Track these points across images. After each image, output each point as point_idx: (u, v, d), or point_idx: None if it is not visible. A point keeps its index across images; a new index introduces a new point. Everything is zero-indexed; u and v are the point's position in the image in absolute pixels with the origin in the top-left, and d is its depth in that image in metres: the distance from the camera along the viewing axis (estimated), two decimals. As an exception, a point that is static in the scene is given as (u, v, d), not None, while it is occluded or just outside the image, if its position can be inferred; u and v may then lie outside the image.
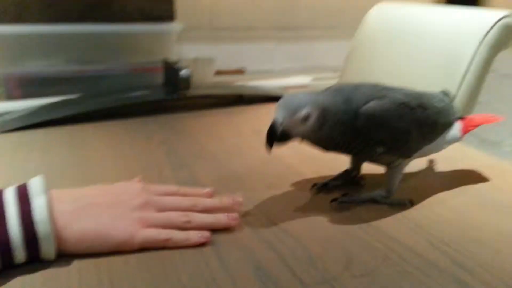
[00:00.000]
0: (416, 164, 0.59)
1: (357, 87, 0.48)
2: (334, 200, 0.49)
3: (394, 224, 0.46)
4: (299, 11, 1.49)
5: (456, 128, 0.54)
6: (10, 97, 0.91)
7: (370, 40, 1.11)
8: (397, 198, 0.49)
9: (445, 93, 0.56)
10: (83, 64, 0.94)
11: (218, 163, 0.61)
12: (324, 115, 0.43)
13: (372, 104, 0.45)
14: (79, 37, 0.92)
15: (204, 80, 1.02)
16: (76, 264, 0.38)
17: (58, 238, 0.37)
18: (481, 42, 0.80)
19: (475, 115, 0.58)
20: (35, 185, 0.39)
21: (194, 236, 0.41)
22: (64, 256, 0.39)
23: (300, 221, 0.46)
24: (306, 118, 0.42)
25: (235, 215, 0.44)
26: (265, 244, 0.42)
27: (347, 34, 1.57)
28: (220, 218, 0.44)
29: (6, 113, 0.79)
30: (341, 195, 0.49)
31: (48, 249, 0.37)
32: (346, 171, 0.54)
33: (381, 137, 0.46)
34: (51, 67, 0.92)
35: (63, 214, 0.38)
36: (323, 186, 0.53)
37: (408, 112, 0.46)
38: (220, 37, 1.39)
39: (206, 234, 0.42)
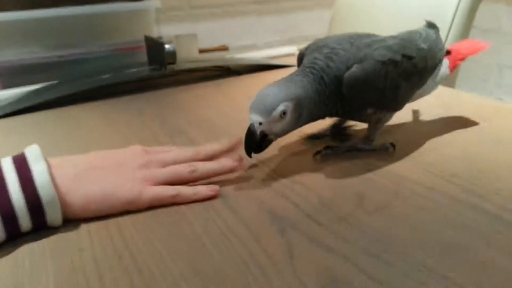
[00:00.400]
0: (415, 112, 0.59)
1: (333, 51, 0.44)
2: (317, 152, 0.47)
3: (402, 165, 0.46)
4: (277, -17, 1.47)
5: (444, 65, 0.52)
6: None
7: (350, 4, 1.10)
8: (380, 143, 0.48)
9: (430, 25, 0.53)
10: (63, 49, 0.91)
11: (215, 128, 0.60)
12: (300, 104, 0.41)
13: (354, 69, 0.42)
14: (57, 21, 0.89)
15: (189, 56, 1.00)
16: (85, 227, 0.37)
17: (63, 203, 0.36)
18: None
19: (460, 45, 0.56)
20: (32, 153, 0.38)
21: (203, 189, 0.40)
22: (71, 221, 0.37)
23: (306, 170, 0.46)
24: (282, 115, 0.40)
25: (238, 157, 0.43)
26: (275, 193, 0.41)
27: (328, 3, 1.56)
28: (225, 163, 0.43)
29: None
30: (323, 148, 0.48)
31: (54, 214, 0.36)
32: (334, 125, 0.55)
33: (369, 100, 0.44)
34: (31, 54, 0.89)
35: (65, 179, 0.37)
36: (316, 137, 0.53)
37: (393, 67, 0.43)
38: (199, 16, 1.36)
39: (215, 187, 0.41)
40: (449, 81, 0.87)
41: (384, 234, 0.34)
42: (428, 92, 0.52)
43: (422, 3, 0.90)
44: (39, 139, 0.59)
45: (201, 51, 1.25)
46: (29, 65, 0.88)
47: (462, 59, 0.54)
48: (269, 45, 1.48)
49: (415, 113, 0.61)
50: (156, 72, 0.82)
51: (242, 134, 0.42)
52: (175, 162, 0.42)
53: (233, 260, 0.32)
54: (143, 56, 0.90)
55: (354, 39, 0.45)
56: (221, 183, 0.43)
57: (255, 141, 0.41)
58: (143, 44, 0.89)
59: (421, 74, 0.47)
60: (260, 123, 0.40)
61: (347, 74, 0.42)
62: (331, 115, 0.47)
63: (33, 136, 0.61)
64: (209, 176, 0.43)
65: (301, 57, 0.48)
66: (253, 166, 0.47)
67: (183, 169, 0.42)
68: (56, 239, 0.36)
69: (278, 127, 0.41)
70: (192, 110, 0.68)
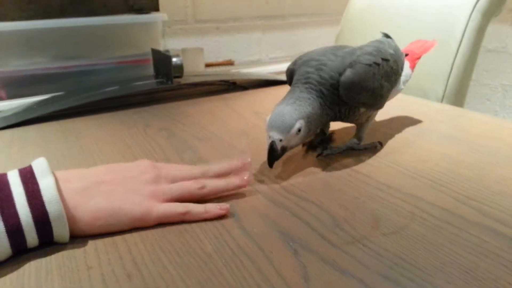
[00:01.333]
0: (426, 132, 0.58)
1: (321, 62, 0.49)
2: (319, 155, 0.53)
3: (417, 186, 0.45)
4: (283, -1, 1.48)
5: (406, 66, 0.58)
6: (-5, 98, 0.87)
7: (358, 20, 1.10)
8: (369, 143, 0.55)
9: (386, 35, 0.60)
10: (69, 60, 0.91)
11: (222, 142, 0.59)
12: (310, 120, 0.46)
13: (348, 74, 0.47)
14: (63, 32, 0.89)
15: (195, 70, 1.00)
16: (92, 244, 0.36)
17: (70, 218, 0.35)
18: (473, 9, 0.80)
19: (412, 46, 0.62)
20: (40, 166, 0.37)
21: (213, 208, 0.39)
22: (78, 237, 0.36)
23: (317, 188, 0.45)
24: (298, 132, 0.45)
25: (247, 175, 0.43)
26: (286, 212, 0.40)
27: (332, 20, 1.57)
28: (233, 180, 0.43)
29: (-6, 112, 0.76)
30: (321, 150, 0.53)
31: (61, 230, 0.35)
32: (321, 131, 0.59)
33: (362, 100, 0.49)
34: (36, 65, 0.88)
35: (72, 193, 0.36)
36: (310, 144, 0.57)
37: (377, 69, 0.49)
38: (205, 30, 1.37)
39: (225, 205, 0.40)
40: (458, 101, 0.86)
41: (401, 257, 0.33)
42: (397, 92, 0.58)
43: (430, 22, 0.90)
44: (43, 151, 0.58)
45: (207, 65, 1.26)
46: (34, 75, 0.88)
47: (418, 58, 0.60)
48: (274, 61, 1.48)
49: (426, 133, 0.60)
50: (163, 85, 0.81)
51: (249, 148, 0.42)
52: (183, 180, 0.42)
53: (246, 281, 0.31)
54: (149, 69, 0.90)
55: (335, 50, 0.51)
56: (232, 202, 0.42)
57: (277, 156, 0.46)
58: (150, 57, 0.89)
59: (396, 74, 0.54)
60: (281, 140, 0.45)
61: (343, 78, 0.47)
62: (330, 120, 0.52)
63: (37, 147, 0.60)
64: (217, 193, 0.42)
65: (290, 73, 0.53)
66: (264, 184, 0.46)
67: (192, 185, 0.41)
68: (63, 256, 0.34)
69: (294, 141, 0.46)
70: (198, 124, 0.67)
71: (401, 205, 0.41)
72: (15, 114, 0.72)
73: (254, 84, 0.92)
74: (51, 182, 0.35)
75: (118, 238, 0.36)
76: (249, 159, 0.45)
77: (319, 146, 0.56)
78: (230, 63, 1.35)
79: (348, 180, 0.47)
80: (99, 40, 0.92)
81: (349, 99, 0.48)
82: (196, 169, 0.43)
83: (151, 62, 0.89)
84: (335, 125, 0.59)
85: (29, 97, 0.80)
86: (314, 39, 1.57)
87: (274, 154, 0.45)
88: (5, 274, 0.33)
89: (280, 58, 1.51)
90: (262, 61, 1.48)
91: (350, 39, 1.13)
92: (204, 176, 0.43)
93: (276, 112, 0.45)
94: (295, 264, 0.33)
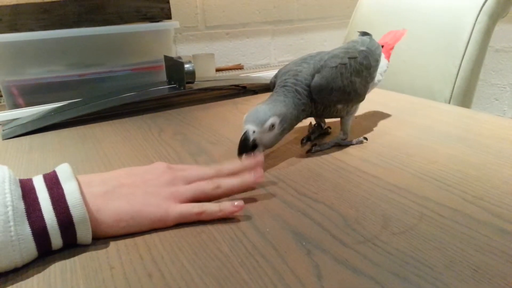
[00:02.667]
0: (434, 133, 0.59)
1: (297, 70, 0.54)
2: (309, 151, 0.57)
3: (425, 186, 0.46)
4: (292, 4, 1.50)
5: (383, 59, 0.62)
6: (14, 105, 0.90)
7: (365, 23, 1.11)
8: (355, 139, 0.59)
9: (363, 33, 0.64)
10: (85, 68, 0.93)
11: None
12: (285, 119, 0.50)
13: (316, 78, 0.52)
14: (79, 41, 0.92)
15: (207, 75, 1.02)
16: (113, 245, 0.37)
17: (93, 220, 0.37)
18: (480, 11, 0.80)
19: (386, 38, 0.66)
20: (63, 172, 0.38)
21: (228, 205, 0.41)
22: (100, 239, 0.38)
23: (326, 188, 0.46)
24: (271, 127, 0.49)
25: (260, 172, 0.44)
26: (298, 213, 0.42)
27: (339, 23, 1.59)
28: (246, 178, 0.44)
29: (13, 120, 0.79)
30: (311, 146, 0.57)
31: (84, 233, 0.36)
32: (317, 125, 0.64)
33: (336, 98, 0.54)
34: (53, 73, 0.91)
35: (94, 197, 0.38)
36: (308, 139, 0.61)
37: (344, 69, 0.54)
38: (215, 36, 1.39)
39: (240, 202, 0.41)
40: (466, 102, 0.87)
41: (411, 256, 0.34)
42: (376, 83, 0.62)
43: (438, 25, 0.90)
44: (63, 156, 0.60)
45: (217, 69, 1.28)
46: (51, 83, 0.91)
47: (391, 48, 0.65)
48: (283, 64, 1.49)
49: (434, 134, 0.61)
50: (176, 90, 0.83)
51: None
52: (198, 179, 0.43)
53: (262, 279, 0.32)
54: (162, 75, 0.92)
55: (309, 59, 0.55)
56: (246, 204, 0.43)
57: (248, 146, 0.48)
58: (162, 63, 0.91)
59: (368, 69, 0.58)
60: (254, 131, 0.48)
61: (312, 83, 0.52)
62: (309, 116, 0.56)
63: (57, 153, 0.62)
64: (232, 192, 0.43)
65: (273, 84, 0.58)
66: (277, 186, 0.48)
67: (207, 186, 0.43)
68: (86, 257, 0.36)
69: (267, 137, 0.50)
70: (211, 128, 0.69)
71: (410, 205, 0.42)
72: (34, 121, 0.74)
73: (263, 88, 0.94)
74: (75, 186, 0.37)
75: (138, 239, 0.38)
76: (261, 158, 0.47)
77: (307, 142, 0.60)
78: (239, 67, 1.36)
79: (357, 182, 0.48)
80: (114, 48, 0.95)
81: (322, 100, 0.53)
82: (210, 169, 0.45)
83: (163, 69, 0.91)
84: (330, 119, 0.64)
85: (46, 105, 0.83)
86: (322, 43, 1.58)
87: (246, 142, 0.48)
88: (32, 275, 0.34)
89: (289, 61, 1.53)
90: (271, 65, 1.49)
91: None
92: (218, 175, 0.44)
93: (252, 109, 0.50)
94: (308, 263, 0.34)
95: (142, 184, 0.41)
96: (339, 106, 0.56)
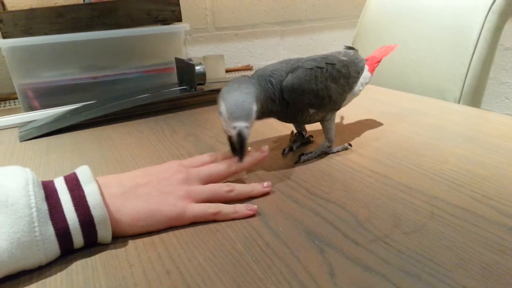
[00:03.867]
0: (444, 133, 0.60)
1: (273, 71, 0.52)
2: (297, 162, 0.56)
3: (436, 186, 0.47)
4: (300, 4, 1.50)
5: (366, 71, 0.61)
6: (29, 108, 0.92)
7: (374, 23, 1.12)
8: (341, 146, 0.59)
9: (348, 48, 0.64)
10: (98, 71, 0.95)
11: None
12: (262, 104, 0.48)
13: (289, 77, 0.51)
14: (91, 44, 0.94)
15: (217, 76, 1.03)
16: (132, 243, 0.39)
17: (112, 220, 0.38)
18: (489, 10, 0.80)
19: (374, 54, 0.65)
20: (83, 174, 0.40)
21: (242, 208, 0.42)
22: (119, 238, 0.39)
23: (337, 188, 0.47)
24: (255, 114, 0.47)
25: (268, 183, 0.47)
26: (310, 212, 0.43)
27: (348, 23, 1.59)
28: (256, 187, 0.47)
29: (29, 122, 0.81)
30: (298, 157, 0.56)
31: (104, 233, 0.38)
32: (299, 134, 0.63)
33: (307, 101, 0.52)
34: (67, 76, 0.93)
35: (113, 198, 0.39)
36: (290, 150, 0.60)
37: (320, 72, 0.52)
38: (224, 37, 1.40)
39: (253, 206, 0.43)
40: (475, 101, 0.87)
41: (422, 254, 0.35)
42: (357, 94, 0.61)
43: (447, 24, 0.91)
44: (79, 157, 0.62)
45: (227, 70, 1.29)
46: (65, 86, 0.93)
47: (378, 61, 0.64)
48: (292, 64, 1.50)
49: (444, 134, 0.62)
50: (187, 92, 0.84)
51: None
52: (210, 176, 0.45)
53: (276, 277, 0.33)
54: (173, 77, 0.94)
55: (288, 61, 0.54)
56: (259, 203, 0.44)
57: (246, 145, 0.46)
58: (173, 65, 0.92)
59: (346, 79, 0.56)
60: (247, 127, 0.45)
61: (284, 82, 0.50)
62: (278, 117, 0.54)
63: (73, 154, 0.64)
64: (243, 197, 0.45)
65: None
66: (288, 187, 0.49)
67: (221, 188, 0.44)
68: (106, 255, 0.37)
69: (251, 127, 0.47)
70: (220, 128, 0.70)
71: (421, 205, 0.43)
72: (49, 123, 0.76)
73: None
74: (95, 188, 0.38)
75: (155, 238, 0.39)
76: (267, 148, 0.50)
77: (289, 152, 0.59)
78: (248, 68, 1.38)
79: (368, 182, 0.49)
80: (126, 50, 0.96)
81: (293, 100, 0.51)
82: (221, 165, 0.47)
83: (174, 71, 0.92)
84: (311, 127, 0.64)
85: (61, 107, 0.85)
86: (331, 42, 1.58)
87: (244, 142, 0.45)
88: (55, 273, 0.36)
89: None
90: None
91: (367, 41, 1.14)
92: (229, 170, 0.47)
93: (232, 101, 0.46)
94: (321, 261, 0.35)
95: (157, 183, 0.42)
96: (312, 111, 0.53)
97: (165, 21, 1.00)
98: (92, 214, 0.37)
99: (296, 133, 0.63)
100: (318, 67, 0.52)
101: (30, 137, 0.73)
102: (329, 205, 0.44)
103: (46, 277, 0.35)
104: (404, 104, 0.79)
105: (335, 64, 0.55)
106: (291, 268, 0.34)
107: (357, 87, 0.59)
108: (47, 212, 0.36)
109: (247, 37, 1.43)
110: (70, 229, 0.36)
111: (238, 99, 0.46)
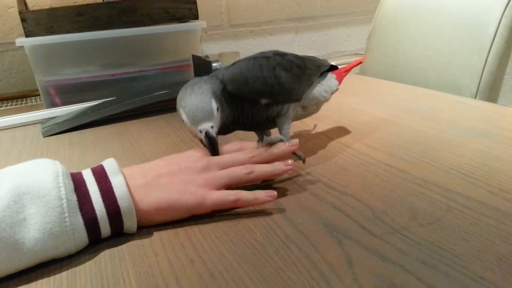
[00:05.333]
0: (460, 128, 0.60)
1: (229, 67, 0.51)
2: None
3: (452, 179, 0.47)
4: (315, 0, 1.51)
5: (332, 78, 0.59)
6: (51, 104, 0.94)
7: (390, 18, 1.12)
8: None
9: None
10: (117, 68, 0.97)
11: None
12: (216, 95, 0.47)
13: (229, 70, 0.49)
14: (111, 42, 0.96)
15: (232, 73, 1.05)
16: (156, 234, 0.40)
17: (136, 210, 0.40)
18: (507, 5, 0.80)
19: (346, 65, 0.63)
20: (110, 166, 0.41)
21: (262, 194, 0.43)
22: (143, 227, 0.41)
23: (354, 182, 0.48)
24: (217, 110, 0.46)
25: (290, 161, 0.46)
26: (328, 205, 0.44)
27: (363, 19, 1.59)
28: (277, 166, 0.46)
29: (52, 118, 0.83)
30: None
31: (130, 222, 0.39)
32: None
33: (255, 89, 0.49)
34: (87, 73, 0.95)
35: (137, 189, 0.41)
36: None
37: (265, 61, 0.50)
38: (240, 34, 1.41)
39: (273, 192, 0.43)
40: (492, 97, 0.87)
41: (439, 246, 0.36)
42: (323, 99, 0.57)
43: (463, 19, 0.90)
44: (102, 152, 0.64)
45: (242, 67, 1.30)
46: (86, 83, 0.95)
47: (347, 71, 0.61)
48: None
49: (460, 129, 0.62)
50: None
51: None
52: (232, 164, 0.46)
53: (295, 266, 0.35)
54: (190, 74, 0.95)
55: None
56: (278, 196, 0.45)
57: (216, 142, 0.46)
58: (190, 62, 0.94)
59: (302, 69, 0.53)
60: (212, 126, 0.46)
61: (225, 74, 0.49)
62: (237, 121, 0.50)
63: (96, 149, 0.66)
64: (264, 178, 0.46)
65: None
66: (306, 180, 0.50)
67: (240, 171, 0.45)
68: (132, 245, 0.39)
69: (218, 121, 0.47)
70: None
71: (437, 198, 0.44)
72: (71, 119, 0.78)
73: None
74: (121, 180, 0.40)
75: (179, 229, 0.41)
76: (297, 141, 0.48)
77: None
78: (263, 65, 1.38)
79: (385, 176, 0.49)
80: (144, 48, 0.98)
81: (238, 91, 0.48)
82: (243, 154, 0.47)
83: (191, 67, 0.94)
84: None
85: (82, 103, 0.87)
86: (346, 38, 1.58)
87: (214, 141, 0.46)
88: (84, 262, 0.37)
89: (312, 58, 1.54)
90: (294, 61, 1.51)
91: (382, 37, 1.14)
92: (250, 161, 0.46)
93: (190, 106, 0.45)
94: (339, 251, 0.36)
95: (179, 172, 0.43)
96: (264, 101, 0.50)
97: (182, 19, 1.02)
98: (119, 204, 0.38)
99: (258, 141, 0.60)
100: (263, 57, 0.50)
101: (53, 132, 0.76)
102: (346, 198, 0.45)
103: (75, 265, 0.37)
104: (421, 100, 0.80)
105: (286, 55, 0.53)
106: (310, 258, 0.35)
107: (321, 93, 0.56)
108: (76, 203, 0.37)
109: (262, 33, 1.44)
110: (98, 219, 0.38)
111: (194, 102, 0.45)
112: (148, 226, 0.41)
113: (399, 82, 0.94)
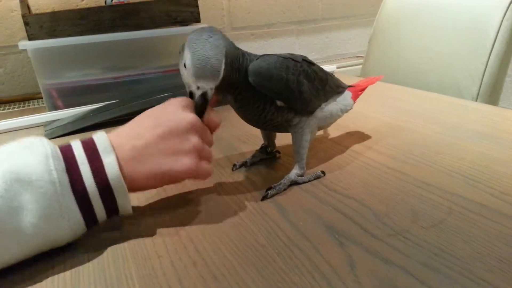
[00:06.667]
0: (461, 131, 0.60)
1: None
2: (264, 197, 0.47)
3: (453, 182, 0.47)
4: (316, 3, 1.51)
5: (348, 97, 0.57)
6: (53, 107, 0.95)
7: (391, 21, 1.12)
8: (313, 174, 0.51)
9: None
10: (119, 71, 0.98)
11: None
12: (229, 61, 0.43)
13: (257, 61, 0.46)
14: (113, 45, 0.96)
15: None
16: (159, 235, 0.41)
17: (127, 183, 0.40)
18: (507, 8, 0.80)
19: (359, 83, 0.61)
20: (102, 142, 0.41)
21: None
22: (146, 231, 0.41)
23: (356, 184, 0.48)
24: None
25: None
26: (329, 208, 0.44)
27: (364, 22, 1.59)
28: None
29: (54, 121, 0.83)
30: (266, 192, 0.48)
31: (123, 201, 0.40)
32: (262, 148, 0.58)
33: (275, 89, 0.46)
34: (90, 76, 0.96)
35: (126, 160, 0.41)
36: (243, 165, 0.56)
37: (293, 64, 0.48)
38: (241, 36, 1.42)
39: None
40: (493, 99, 0.87)
41: (440, 248, 0.36)
42: (336, 117, 0.56)
43: (464, 22, 0.91)
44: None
45: (243, 70, 1.30)
46: (88, 86, 0.95)
47: (362, 90, 0.60)
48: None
49: (462, 132, 0.62)
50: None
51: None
52: (208, 143, 0.46)
53: (298, 268, 0.35)
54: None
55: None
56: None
57: (206, 108, 0.44)
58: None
59: (322, 82, 0.51)
60: (211, 88, 0.42)
61: (251, 66, 0.45)
62: (237, 102, 0.48)
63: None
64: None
65: None
66: (308, 182, 0.50)
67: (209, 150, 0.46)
68: (134, 245, 0.39)
69: (217, 85, 0.43)
70: (242, 127, 0.72)
71: (439, 201, 0.44)
72: (74, 122, 0.79)
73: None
74: (113, 160, 0.39)
75: (181, 231, 0.41)
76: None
77: (240, 167, 0.56)
78: (265, 67, 1.39)
79: (386, 178, 0.50)
80: (146, 51, 0.99)
81: (258, 85, 0.45)
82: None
83: (193, 70, 0.94)
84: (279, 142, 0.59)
85: (84, 106, 0.87)
86: (347, 41, 1.59)
87: (206, 104, 0.43)
88: (87, 262, 0.38)
89: (314, 60, 1.54)
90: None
91: (383, 40, 1.14)
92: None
93: (200, 55, 0.41)
94: (341, 253, 0.36)
95: (167, 136, 0.42)
96: (279, 104, 0.48)
97: (184, 22, 1.02)
98: (111, 184, 0.39)
99: (260, 147, 0.58)
100: (292, 60, 0.48)
101: (55, 135, 0.76)
102: (347, 200, 0.45)
103: (79, 265, 0.37)
104: (422, 102, 0.80)
105: (313, 64, 0.51)
106: (312, 260, 0.36)
107: (338, 112, 0.55)
108: (68, 183, 0.37)
109: (263, 36, 1.45)
110: (90, 197, 0.38)
111: (206, 53, 0.41)
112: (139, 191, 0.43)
113: (400, 85, 0.94)
